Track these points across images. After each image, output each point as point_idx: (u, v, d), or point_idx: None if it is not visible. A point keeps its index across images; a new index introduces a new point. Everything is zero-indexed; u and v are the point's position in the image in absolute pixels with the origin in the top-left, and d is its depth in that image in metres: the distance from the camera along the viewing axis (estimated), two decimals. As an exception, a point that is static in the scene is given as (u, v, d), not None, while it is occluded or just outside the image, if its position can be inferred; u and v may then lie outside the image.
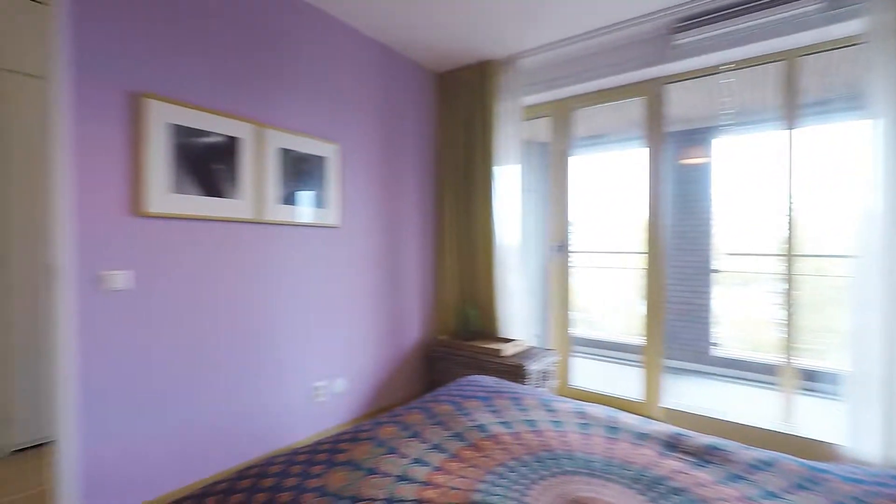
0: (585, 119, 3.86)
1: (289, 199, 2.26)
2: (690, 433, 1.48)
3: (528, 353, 2.79)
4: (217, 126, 1.95)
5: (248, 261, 2.11)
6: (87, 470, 1.62)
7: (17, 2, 2.26)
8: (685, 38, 2.43)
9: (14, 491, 1.94)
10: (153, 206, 1.76)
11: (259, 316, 2.16)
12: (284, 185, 2.24)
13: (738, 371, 3.97)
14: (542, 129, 3.48)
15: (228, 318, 2.04)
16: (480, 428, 1.47)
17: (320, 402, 2.44)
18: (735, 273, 4.31)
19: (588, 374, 3.98)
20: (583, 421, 1.56)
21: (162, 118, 1.77)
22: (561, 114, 3.19)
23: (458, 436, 1.42)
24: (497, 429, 1.47)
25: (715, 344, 4.22)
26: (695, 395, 3.62)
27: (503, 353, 2.69)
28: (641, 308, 2.86)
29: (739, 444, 1.41)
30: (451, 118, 3.21)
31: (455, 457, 1.29)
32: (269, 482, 1.12)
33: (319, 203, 2.41)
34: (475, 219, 3.08)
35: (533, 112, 3.29)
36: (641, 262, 2.87)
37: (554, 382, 2.86)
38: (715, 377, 4.04)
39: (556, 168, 3.21)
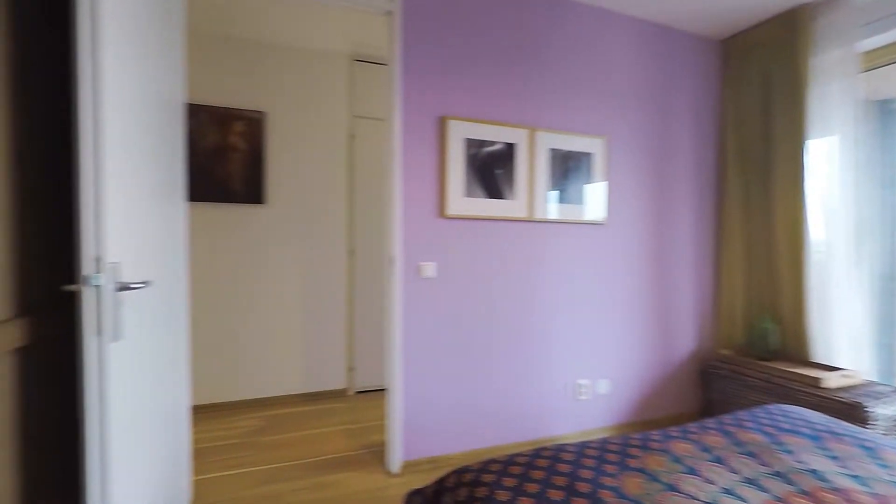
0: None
1: (556, 198, 2.33)
2: None
3: (866, 390, 2.05)
4: (499, 135, 2.19)
5: (521, 256, 2.28)
6: (406, 412, 2.09)
7: (370, 66, 3.13)
8: None
9: (361, 420, 2.69)
10: (451, 208, 2.12)
11: (530, 307, 2.31)
12: (552, 183, 2.32)
13: None
14: (891, 79, 2.49)
15: (504, 308, 2.26)
16: (815, 474, 1.15)
17: (583, 400, 2.44)
18: None
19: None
20: None
21: (459, 134, 2.11)
22: (934, 52, 2.20)
23: (782, 476, 1.15)
24: (844, 482, 1.12)
25: None
26: None
27: (825, 384, 2.05)
28: None
29: None
30: (740, 89, 2.67)
31: (782, 501, 1.05)
32: (564, 467, 1.16)
33: (585, 200, 2.40)
34: (774, 210, 2.47)
35: (875, 59, 2.39)
36: None
37: (917, 438, 2.00)
38: None
39: (921, 132, 2.24)
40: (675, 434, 1.37)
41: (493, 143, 2.18)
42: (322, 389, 3.08)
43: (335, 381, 3.12)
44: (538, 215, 2.29)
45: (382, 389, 3.13)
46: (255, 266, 2.91)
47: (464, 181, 2.13)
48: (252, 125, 2.87)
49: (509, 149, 2.21)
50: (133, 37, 1.22)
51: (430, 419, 2.13)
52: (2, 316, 1.00)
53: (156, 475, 1.40)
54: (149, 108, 1.35)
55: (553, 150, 2.32)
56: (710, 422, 1.47)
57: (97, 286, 1.03)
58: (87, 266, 1.02)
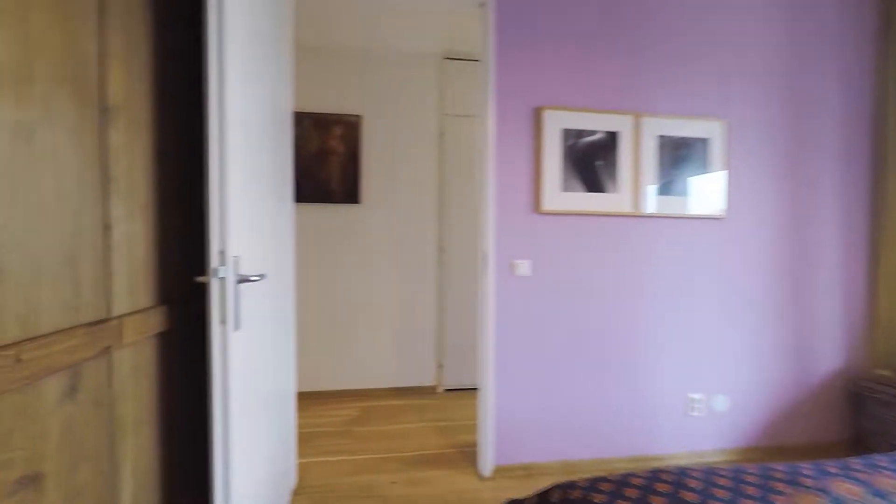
0: None
1: (665, 190, 2.10)
2: None
3: None
4: (599, 124, 2.03)
5: (625, 254, 2.09)
6: (499, 415, 2.02)
7: (459, 64, 3.12)
8: None
9: (451, 418, 2.68)
10: (547, 204, 2.00)
11: (635, 310, 2.11)
12: (661, 174, 2.10)
13: None
14: None
15: (605, 310, 2.09)
16: None
17: (695, 416, 2.17)
18: None
19: None
20: None
21: (556, 124, 1.99)
22: None
23: None
24: None
25: None
26: None
27: None
28: None
29: None
30: (907, 52, 2.18)
31: None
32: (690, 496, 1.01)
33: (700, 192, 2.13)
34: (962, 198, 1.97)
35: None
36: None
37: None
38: None
39: None
40: (832, 470, 1.12)
41: (592, 132, 2.02)
42: (412, 385, 3.14)
43: (425, 378, 3.16)
44: (644, 209, 2.08)
45: (471, 388, 3.10)
46: (351, 263, 3.06)
47: (560, 174, 2.01)
48: (349, 129, 3.01)
49: (611, 138, 2.04)
50: (252, 52, 1.30)
51: (522, 424, 2.04)
52: (146, 304, 1.12)
53: (268, 454, 1.50)
54: (265, 118, 1.45)
55: (662, 136, 2.09)
56: (880, 459, 1.19)
57: (222, 278, 1.11)
58: (213, 259, 1.10)
